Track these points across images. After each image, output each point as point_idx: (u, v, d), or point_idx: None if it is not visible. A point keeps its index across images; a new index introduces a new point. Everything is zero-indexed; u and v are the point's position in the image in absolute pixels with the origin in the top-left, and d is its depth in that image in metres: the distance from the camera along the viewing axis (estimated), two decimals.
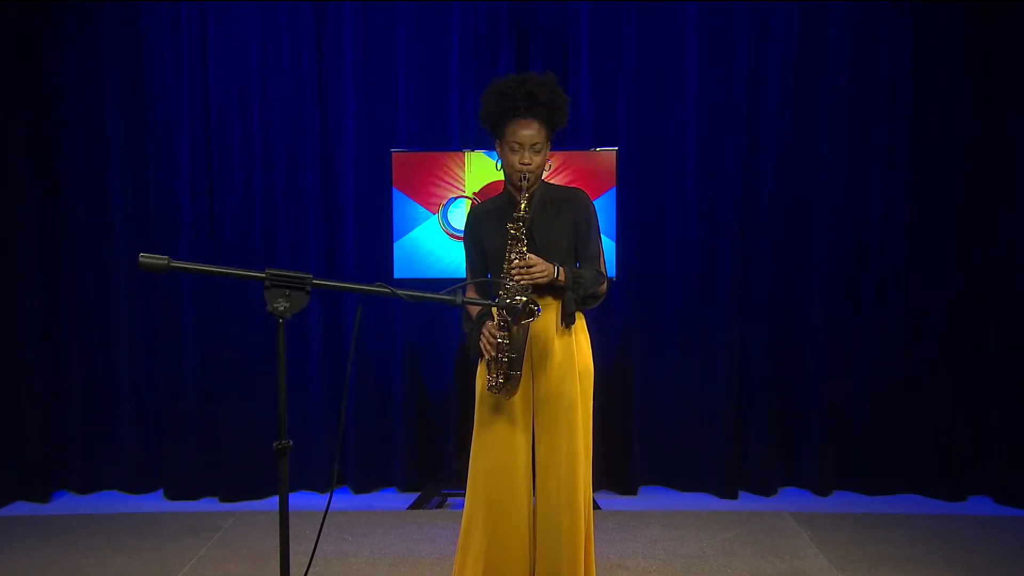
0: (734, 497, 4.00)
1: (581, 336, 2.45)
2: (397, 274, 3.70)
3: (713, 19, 3.91)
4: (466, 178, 3.68)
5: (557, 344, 2.39)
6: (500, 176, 2.48)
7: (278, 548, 1.76)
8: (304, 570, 2.00)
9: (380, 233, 3.86)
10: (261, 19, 3.89)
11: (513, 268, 2.28)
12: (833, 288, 3.98)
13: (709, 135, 3.96)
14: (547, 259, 2.33)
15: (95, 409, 4.06)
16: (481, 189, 3.66)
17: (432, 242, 3.71)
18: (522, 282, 2.25)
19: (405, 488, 4.06)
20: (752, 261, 3.99)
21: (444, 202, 3.69)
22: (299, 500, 3.94)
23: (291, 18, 3.90)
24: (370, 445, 4.05)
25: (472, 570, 2.38)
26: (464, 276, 2.57)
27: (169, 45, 3.87)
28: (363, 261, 3.99)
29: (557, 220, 2.41)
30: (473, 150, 3.69)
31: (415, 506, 3.84)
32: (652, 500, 3.99)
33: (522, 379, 2.32)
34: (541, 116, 2.33)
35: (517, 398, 2.36)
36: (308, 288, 1.73)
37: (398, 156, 3.71)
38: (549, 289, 2.36)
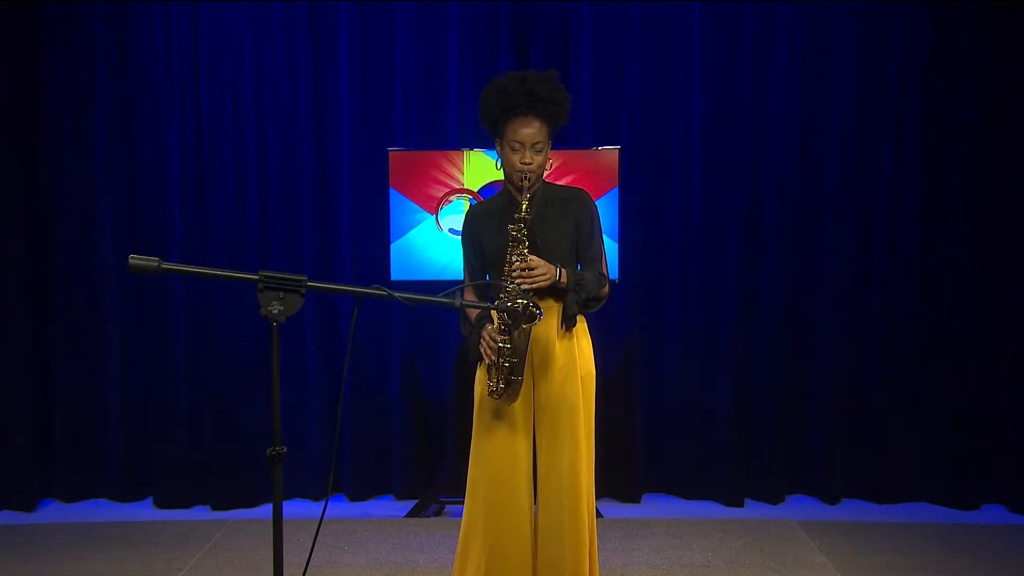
0: (740, 505, 4.00)
1: (583, 339, 2.45)
2: (394, 276, 3.69)
3: (718, 14, 3.91)
4: (465, 178, 3.68)
5: (558, 348, 2.39)
6: (500, 176, 2.48)
7: (272, 558, 1.75)
8: None
9: (377, 234, 3.86)
10: (254, 13, 3.89)
11: (514, 270, 2.28)
12: (842, 290, 3.98)
13: (714, 134, 3.96)
14: (548, 261, 2.33)
15: (81, 414, 4.05)
16: (480, 189, 3.66)
17: (430, 243, 3.70)
18: (523, 286, 2.25)
19: (402, 495, 4.06)
20: (759, 263, 3.99)
21: (443, 203, 3.69)
22: (293, 508, 3.94)
23: (285, 12, 3.89)
24: (366, 451, 4.06)
25: None
26: (464, 277, 2.57)
27: (160, 40, 3.86)
28: (359, 263, 3.99)
29: (559, 221, 2.41)
30: (472, 149, 3.69)
31: (412, 514, 3.83)
32: (656, 508, 3.99)
33: (523, 383, 2.32)
34: (542, 114, 2.33)
35: (518, 403, 2.36)
36: (303, 290, 1.73)
37: (395, 155, 3.71)
38: (550, 291, 2.37)
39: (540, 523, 2.40)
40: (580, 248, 2.45)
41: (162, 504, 4.02)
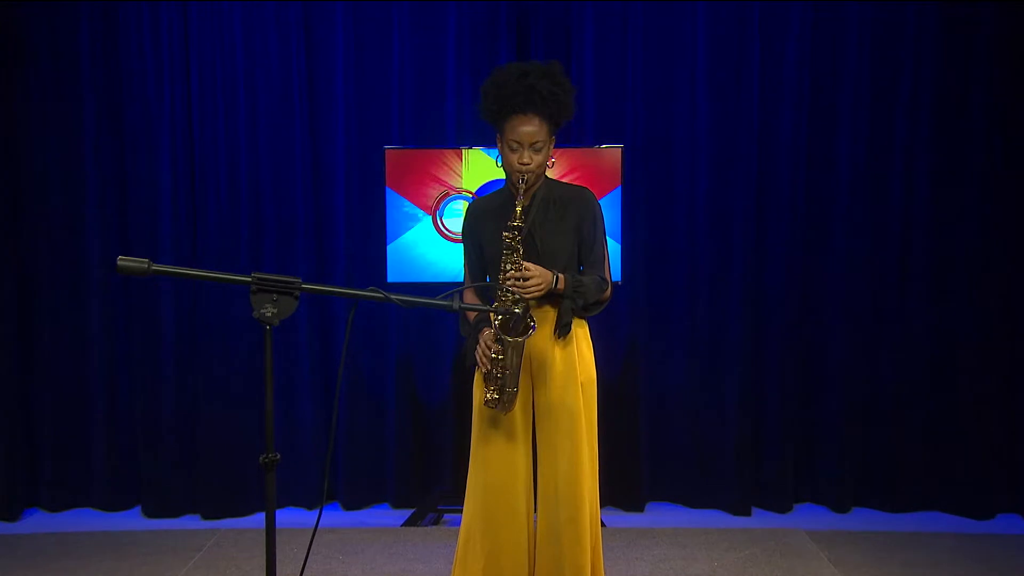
0: (747, 514, 4.00)
1: (583, 344, 2.45)
2: (391, 278, 3.69)
3: (725, 8, 3.92)
4: (464, 177, 3.68)
5: (558, 353, 2.39)
6: (501, 174, 2.47)
7: (264, 568, 1.75)
8: None
9: (373, 235, 3.86)
10: (245, 7, 3.89)
11: (508, 279, 2.27)
12: (852, 294, 3.98)
13: (721, 132, 3.96)
14: (549, 266, 2.32)
15: (68, 421, 4.04)
16: (479, 189, 3.66)
17: (428, 245, 3.71)
18: (517, 296, 2.24)
19: (398, 504, 4.06)
20: (766, 266, 3.99)
21: (440, 202, 3.69)
22: (286, 517, 3.93)
23: (278, 8, 3.90)
24: (362, 459, 4.05)
25: None
26: (464, 276, 2.57)
27: (149, 37, 3.86)
28: (355, 264, 3.99)
29: (561, 224, 2.39)
30: (471, 148, 3.69)
31: (409, 523, 3.83)
32: (660, 517, 3.99)
33: (522, 390, 2.32)
34: (542, 111, 2.31)
35: (517, 410, 2.36)
36: (297, 293, 1.73)
37: (392, 153, 3.71)
38: (548, 297, 2.35)
39: (539, 532, 2.40)
40: (582, 250, 2.44)
41: (151, 513, 4.01)
